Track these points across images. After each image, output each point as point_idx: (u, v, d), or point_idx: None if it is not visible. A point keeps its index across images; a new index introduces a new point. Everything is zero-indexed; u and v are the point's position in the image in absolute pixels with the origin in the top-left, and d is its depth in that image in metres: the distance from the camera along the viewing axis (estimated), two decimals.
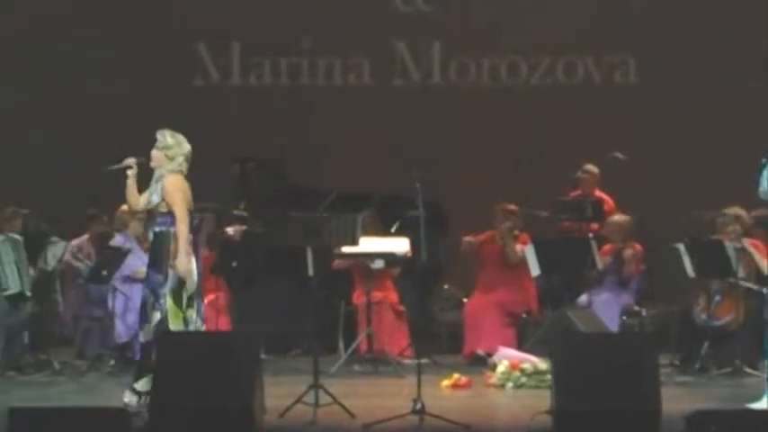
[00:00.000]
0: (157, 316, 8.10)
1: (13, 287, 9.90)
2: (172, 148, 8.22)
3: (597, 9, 13.00)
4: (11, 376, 9.71)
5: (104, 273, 10.20)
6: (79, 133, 12.33)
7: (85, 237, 11.09)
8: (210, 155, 11.75)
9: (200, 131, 12.14)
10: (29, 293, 10.03)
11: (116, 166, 8.15)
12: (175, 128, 12.04)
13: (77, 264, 10.73)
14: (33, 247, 10.41)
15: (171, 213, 8.07)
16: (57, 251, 10.56)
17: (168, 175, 8.16)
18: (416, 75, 13.34)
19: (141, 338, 8.20)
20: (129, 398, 8.05)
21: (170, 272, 8.04)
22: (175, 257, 7.99)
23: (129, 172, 8.15)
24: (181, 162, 8.21)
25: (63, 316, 10.53)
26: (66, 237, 10.51)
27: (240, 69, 13.37)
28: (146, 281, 8.18)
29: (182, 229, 8.02)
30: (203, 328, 8.28)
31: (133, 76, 12.88)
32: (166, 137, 8.25)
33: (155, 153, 8.20)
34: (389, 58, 13.27)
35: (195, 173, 11.40)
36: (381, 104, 13.05)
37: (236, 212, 11.08)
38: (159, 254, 8.10)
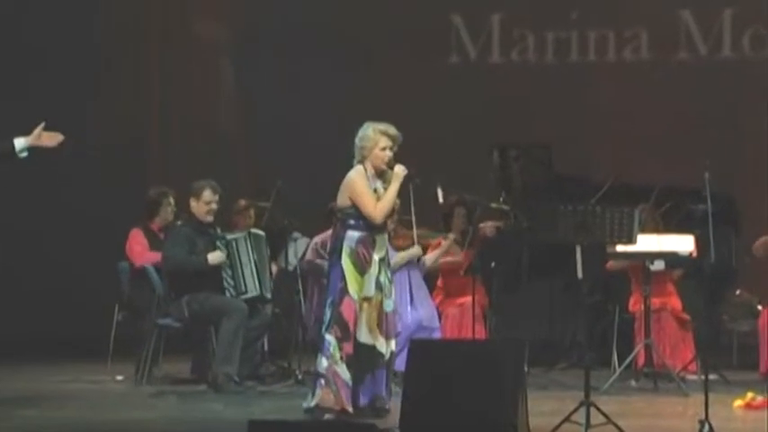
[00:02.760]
0: None
1: (252, 290, 9.55)
2: None
3: None
4: (250, 386, 9.35)
5: None
6: (333, 116, 12.12)
7: (329, 232, 10.55)
8: (467, 141, 11.99)
9: (457, 115, 12.45)
10: (269, 295, 9.69)
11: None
12: (429, 111, 12.22)
13: (321, 261, 10.29)
14: (274, 244, 10.11)
15: None
16: (298, 249, 10.28)
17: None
18: (703, 47, 12.85)
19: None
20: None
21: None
22: None
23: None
24: None
25: (305, 319, 10.18)
26: (307, 233, 10.26)
27: (500, 45, 13.09)
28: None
29: None
30: None
31: (385, 54, 12.73)
32: None
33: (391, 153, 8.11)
34: (672, 28, 12.79)
35: (448, 161, 11.37)
36: (662, 82, 12.59)
37: (494, 206, 10.63)
38: None
